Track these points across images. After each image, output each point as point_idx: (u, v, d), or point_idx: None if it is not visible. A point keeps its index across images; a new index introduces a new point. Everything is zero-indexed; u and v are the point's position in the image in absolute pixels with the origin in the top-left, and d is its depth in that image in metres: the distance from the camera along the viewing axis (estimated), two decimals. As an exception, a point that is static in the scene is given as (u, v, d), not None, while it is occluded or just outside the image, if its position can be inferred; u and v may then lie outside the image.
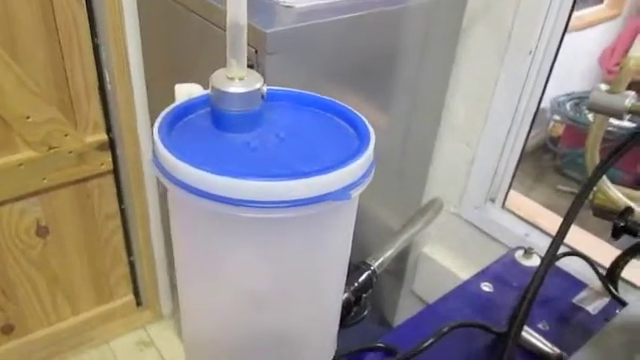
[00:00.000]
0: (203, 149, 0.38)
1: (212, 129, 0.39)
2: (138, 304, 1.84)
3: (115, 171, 1.54)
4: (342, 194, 0.34)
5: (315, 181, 0.34)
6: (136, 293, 1.82)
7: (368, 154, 0.36)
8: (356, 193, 0.35)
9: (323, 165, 0.35)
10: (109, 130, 1.47)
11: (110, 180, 1.55)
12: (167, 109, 0.39)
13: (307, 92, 0.43)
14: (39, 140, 1.35)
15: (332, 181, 0.34)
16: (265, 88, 0.39)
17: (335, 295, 0.45)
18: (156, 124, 0.37)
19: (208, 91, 0.40)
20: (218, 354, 0.44)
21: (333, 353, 0.49)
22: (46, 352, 1.68)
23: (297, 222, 0.36)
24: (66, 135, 1.39)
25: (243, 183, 0.33)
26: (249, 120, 0.39)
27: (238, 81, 0.38)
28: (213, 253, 0.38)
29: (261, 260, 0.38)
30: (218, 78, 0.38)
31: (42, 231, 1.50)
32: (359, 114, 0.41)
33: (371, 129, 0.39)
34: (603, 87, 0.63)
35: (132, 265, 1.75)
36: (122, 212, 1.63)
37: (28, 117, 1.31)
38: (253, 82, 0.38)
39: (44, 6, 1.22)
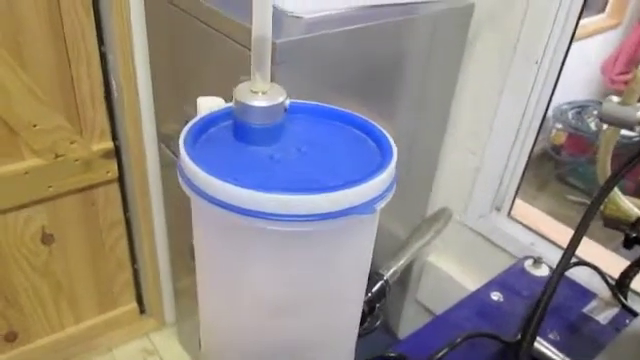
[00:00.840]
0: (227, 161, 0.38)
1: (235, 142, 0.40)
2: (142, 312, 1.84)
3: (120, 179, 1.54)
4: (366, 208, 0.35)
5: (340, 195, 0.34)
6: (140, 301, 1.82)
7: (391, 168, 0.37)
8: (380, 206, 0.36)
9: (346, 178, 0.35)
10: (115, 138, 1.47)
11: (115, 188, 1.55)
12: (191, 121, 0.39)
13: (327, 105, 0.44)
14: (45, 148, 1.35)
15: (357, 195, 0.34)
16: (288, 101, 0.40)
17: (355, 306, 0.45)
18: (181, 136, 0.37)
19: (230, 104, 0.40)
20: (238, 365, 0.44)
21: (350, 363, 0.49)
22: (49, 360, 1.68)
23: (320, 235, 0.36)
24: (72, 143, 1.39)
25: (269, 196, 0.33)
26: (272, 133, 0.40)
27: (261, 95, 0.38)
28: (235, 264, 0.39)
29: (283, 272, 0.38)
30: (242, 91, 0.38)
31: (47, 239, 1.50)
32: (381, 127, 0.41)
33: (393, 142, 0.39)
34: (615, 99, 0.63)
35: (136, 273, 1.75)
36: (127, 220, 1.63)
37: (35, 125, 1.31)
38: (276, 96, 0.39)
39: (52, 14, 1.23)
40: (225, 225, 0.37)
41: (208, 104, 0.41)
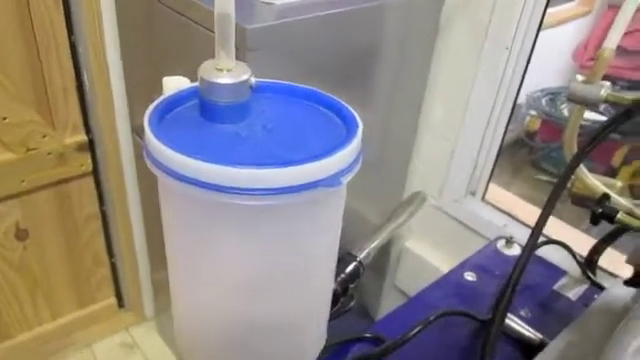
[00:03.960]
0: (193, 139, 0.38)
1: (201, 120, 0.40)
2: (120, 306, 1.82)
3: (95, 172, 1.52)
4: (333, 181, 0.35)
5: (306, 168, 0.34)
6: (118, 295, 1.80)
7: (357, 141, 0.37)
8: (347, 179, 0.36)
9: (312, 153, 0.36)
10: (88, 131, 1.45)
11: (90, 181, 1.54)
12: (156, 101, 0.39)
13: (293, 83, 0.44)
14: (17, 142, 1.33)
15: (323, 168, 0.35)
16: (253, 79, 0.40)
17: (326, 283, 0.46)
18: (146, 115, 0.37)
19: (196, 84, 0.40)
20: (211, 344, 0.45)
21: (323, 342, 0.49)
22: (27, 357, 1.66)
23: (288, 209, 0.37)
24: (44, 136, 1.37)
25: (235, 171, 0.33)
26: (237, 111, 0.40)
27: (227, 72, 0.38)
28: (205, 242, 0.39)
29: (253, 248, 0.39)
30: (207, 69, 0.38)
31: (21, 234, 1.48)
32: (345, 103, 0.41)
33: (358, 117, 0.40)
34: (580, 78, 0.65)
35: (114, 267, 1.74)
36: (103, 213, 1.62)
37: (5, 118, 1.29)
38: (241, 73, 0.39)
39: (19, 5, 1.21)
40: (191, 202, 0.37)
41: (173, 84, 0.41)
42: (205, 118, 0.40)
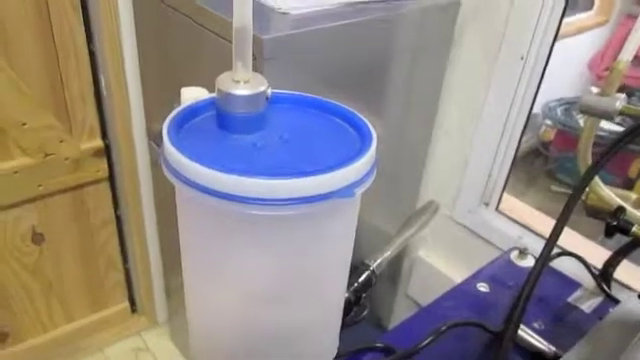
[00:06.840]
0: (210, 150, 0.39)
1: (218, 131, 0.40)
2: (133, 311, 1.84)
3: (111, 177, 1.54)
4: (347, 192, 0.36)
5: (321, 179, 0.35)
6: (131, 300, 1.82)
7: (371, 153, 0.37)
8: (360, 191, 0.37)
9: (326, 164, 0.36)
10: (105, 136, 1.47)
11: (106, 187, 1.55)
12: (174, 111, 0.40)
13: (309, 95, 0.45)
14: (35, 147, 1.35)
15: (337, 179, 0.35)
16: (270, 90, 0.40)
17: (338, 292, 0.46)
18: (165, 126, 0.38)
19: (213, 94, 0.41)
20: (223, 351, 0.45)
21: (335, 351, 0.50)
22: (41, 360, 1.67)
23: (303, 220, 0.37)
24: (62, 141, 1.39)
25: (252, 181, 0.34)
26: (254, 122, 0.40)
27: (243, 84, 0.39)
28: (220, 251, 0.39)
29: (267, 257, 0.39)
30: (224, 81, 0.39)
31: (37, 238, 1.50)
32: (360, 115, 0.42)
33: (372, 129, 0.40)
34: (594, 90, 0.64)
35: (127, 272, 1.75)
36: (117, 218, 1.63)
37: (24, 124, 1.31)
38: (258, 85, 0.40)
39: (40, 13, 1.23)
40: (209, 212, 0.37)
41: (191, 94, 0.42)
42: (222, 128, 0.40)
